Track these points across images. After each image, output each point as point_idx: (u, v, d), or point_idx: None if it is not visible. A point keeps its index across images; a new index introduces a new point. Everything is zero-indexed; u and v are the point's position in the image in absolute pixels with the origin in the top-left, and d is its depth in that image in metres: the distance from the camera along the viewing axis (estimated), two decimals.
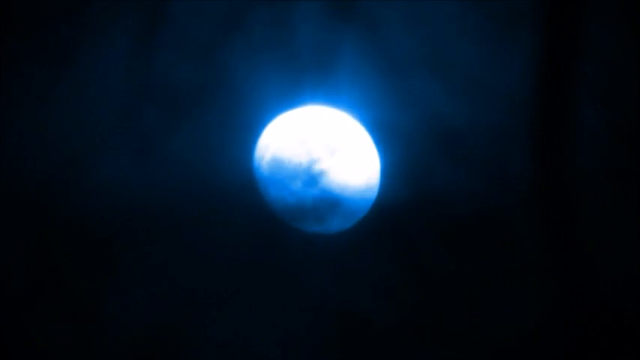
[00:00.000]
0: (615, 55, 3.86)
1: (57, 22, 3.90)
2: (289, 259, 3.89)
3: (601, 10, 3.85)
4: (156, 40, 3.92)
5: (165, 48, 3.92)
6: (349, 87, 3.86)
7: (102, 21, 3.92)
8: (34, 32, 3.90)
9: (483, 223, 3.88)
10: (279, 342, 3.89)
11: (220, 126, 3.89)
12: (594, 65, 3.87)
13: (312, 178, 3.75)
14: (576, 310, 3.84)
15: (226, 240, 3.89)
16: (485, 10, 3.88)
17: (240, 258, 3.89)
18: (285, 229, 3.85)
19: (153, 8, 3.92)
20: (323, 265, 3.90)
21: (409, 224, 3.88)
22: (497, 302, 3.87)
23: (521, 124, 3.89)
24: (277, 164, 3.77)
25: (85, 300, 3.86)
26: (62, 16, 3.90)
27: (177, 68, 3.92)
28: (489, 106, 3.89)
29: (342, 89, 3.86)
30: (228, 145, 3.89)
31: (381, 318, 3.89)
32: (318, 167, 3.74)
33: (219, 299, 3.89)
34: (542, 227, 3.87)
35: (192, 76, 3.91)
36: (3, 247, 3.85)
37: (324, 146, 3.76)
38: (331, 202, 3.77)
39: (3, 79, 3.88)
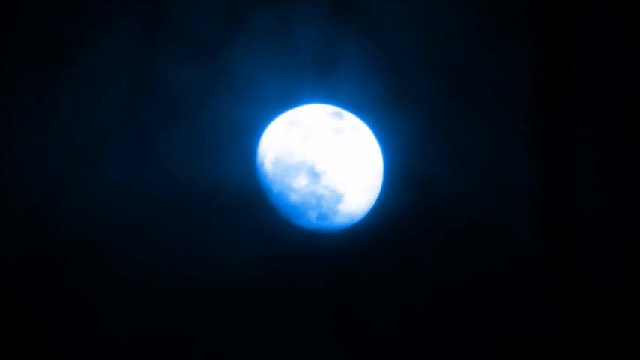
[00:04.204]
0: (615, 54, 3.88)
1: (57, 22, 3.90)
2: (291, 257, 3.89)
3: (601, 9, 3.87)
4: (156, 40, 3.93)
5: (166, 48, 3.93)
6: (350, 86, 3.87)
7: (102, 21, 3.92)
8: (34, 32, 3.90)
9: (483, 222, 3.89)
10: (279, 341, 3.89)
11: (222, 125, 3.90)
12: (594, 65, 3.88)
13: (313, 176, 3.75)
14: (576, 310, 3.85)
15: (228, 239, 3.89)
16: (485, 10, 3.90)
17: (241, 256, 3.89)
18: (287, 228, 3.85)
19: (153, 8, 3.93)
20: (324, 263, 3.90)
21: (410, 223, 3.89)
22: (498, 302, 3.88)
23: (522, 125, 3.90)
24: (279, 163, 3.78)
25: (86, 299, 3.86)
26: (62, 16, 3.91)
27: (178, 68, 3.92)
28: (489, 106, 3.90)
29: (343, 88, 3.87)
30: (229, 145, 3.89)
31: (381, 318, 3.89)
32: (319, 166, 3.75)
33: (220, 298, 3.88)
34: (542, 227, 3.88)
35: (192, 76, 3.92)
36: (3, 246, 3.84)
37: (325, 145, 3.77)
38: (333, 201, 3.77)
39: (3, 79, 3.88)
